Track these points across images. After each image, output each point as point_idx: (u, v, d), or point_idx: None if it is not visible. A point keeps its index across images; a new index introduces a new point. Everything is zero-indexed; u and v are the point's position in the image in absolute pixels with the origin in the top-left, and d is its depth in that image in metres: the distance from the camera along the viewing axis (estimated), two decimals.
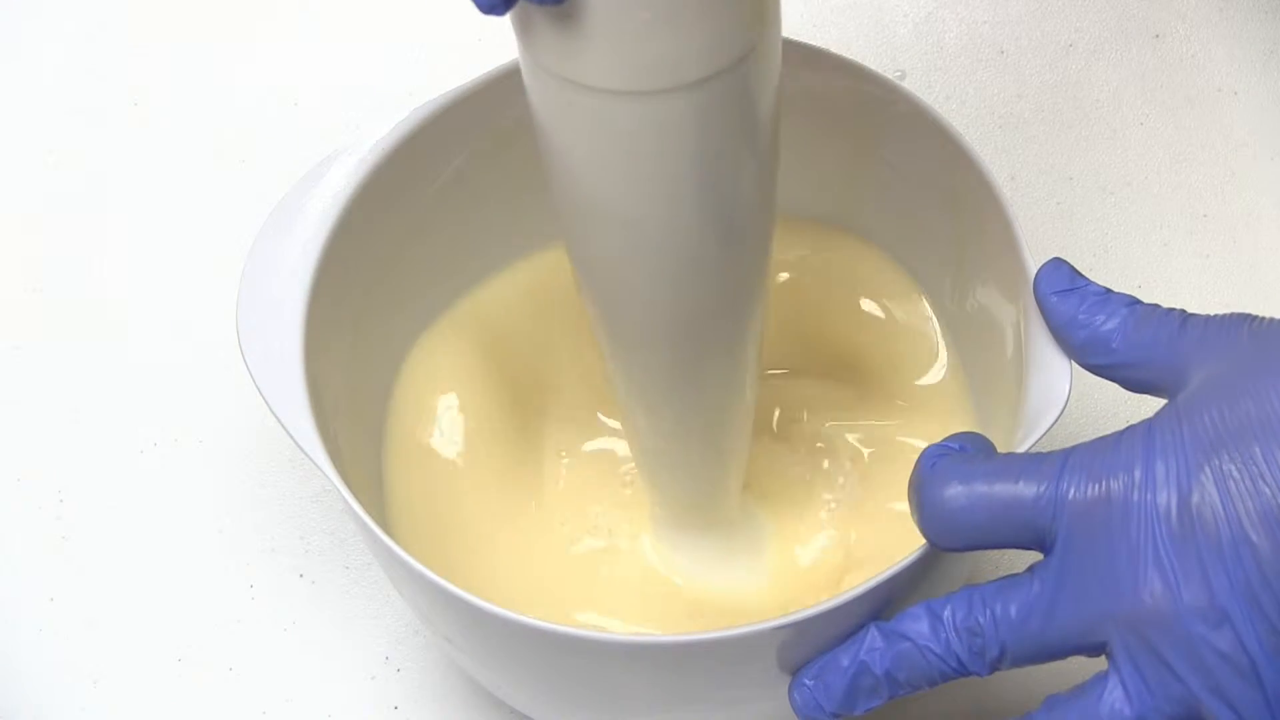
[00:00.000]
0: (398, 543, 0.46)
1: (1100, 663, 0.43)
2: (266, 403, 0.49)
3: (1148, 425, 0.42)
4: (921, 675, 0.45)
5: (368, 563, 0.61)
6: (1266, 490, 0.40)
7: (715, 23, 0.40)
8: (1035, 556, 0.44)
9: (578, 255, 0.47)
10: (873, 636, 0.45)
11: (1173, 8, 0.73)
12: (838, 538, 0.56)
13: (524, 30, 0.41)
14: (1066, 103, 0.71)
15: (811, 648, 0.46)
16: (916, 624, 0.45)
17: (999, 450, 0.46)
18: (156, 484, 0.64)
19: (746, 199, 0.45)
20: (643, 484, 0.56)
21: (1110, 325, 0.46)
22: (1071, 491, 0.42)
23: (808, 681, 0.46)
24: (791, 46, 0.54)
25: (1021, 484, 0.43)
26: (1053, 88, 0.71)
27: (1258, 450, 0.40)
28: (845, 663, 0.45)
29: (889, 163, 0.57)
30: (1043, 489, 0.43)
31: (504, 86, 0.53)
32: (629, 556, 0.57)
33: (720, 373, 0.50)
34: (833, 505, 0.57)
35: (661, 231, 0.44)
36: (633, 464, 0.57)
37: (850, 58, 0.55)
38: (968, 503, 0.43)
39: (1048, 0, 0.73)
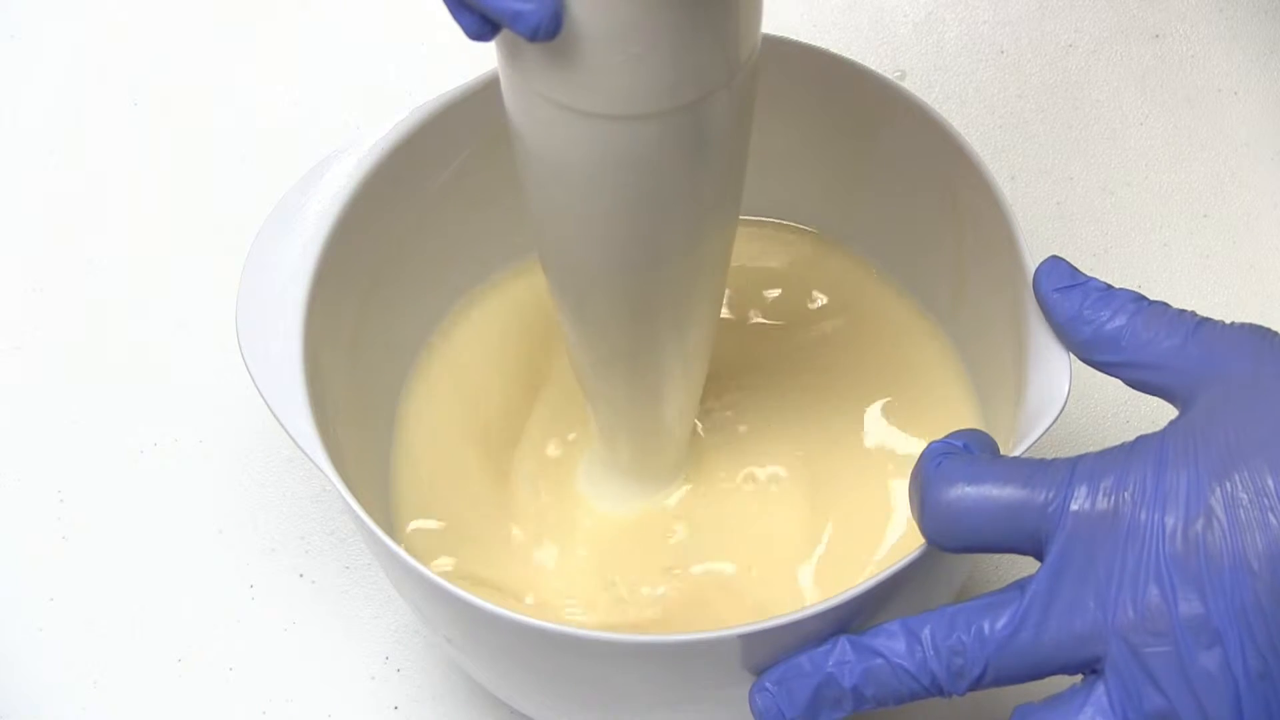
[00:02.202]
0: (398, 543, 0.46)
1: (1077, 677, 0.43)
2: (266, 403, 0.49)
3: (1160, 440, 0.42)
4: (890, 693, 0.44)
5: (368, 563, 0.61)
6: (1274, 521, 0.40)
7: (703, 53, 0.41)
8: (1022, 569, 0.44)
9: (547, 252, 0.49)
10: (843, 648, 0.44)
11: (1173, 8, 0.73)
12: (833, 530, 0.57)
13: (511, 53, 0.42)
14: (1066, 103, 0.71)
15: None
16: (891, 641, 0.44)
17: (1000, 449, 0.46)
18: (156, 484, 0.64)
19: (716, 204, 0.47)
20: (601, 437, 0.57)
21: (1117, 322, 0.45)
22: (1077, 502, 0.42)
23: (770, 686, 0.45)
24: (791, 46, 0.55)
25: (1028, 490, 0.43)
26: (1053, 88, 0.71)
27: (1270, 481, 0.40)
28: (810, 671, 0.45)
29: (889, 163, 0.57)
30: (1049, 497, 0.42)
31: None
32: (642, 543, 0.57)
33: (673, 349, 0.51)
34: (841, 496, 0.57)
35: (629, 235, 0.46)
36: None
37: (850, 58, 0.55)
38: (973, 505, 0.43)
39: (1048, 0, 0.73)
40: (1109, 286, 0.46)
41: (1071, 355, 0.47)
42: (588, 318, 0.50)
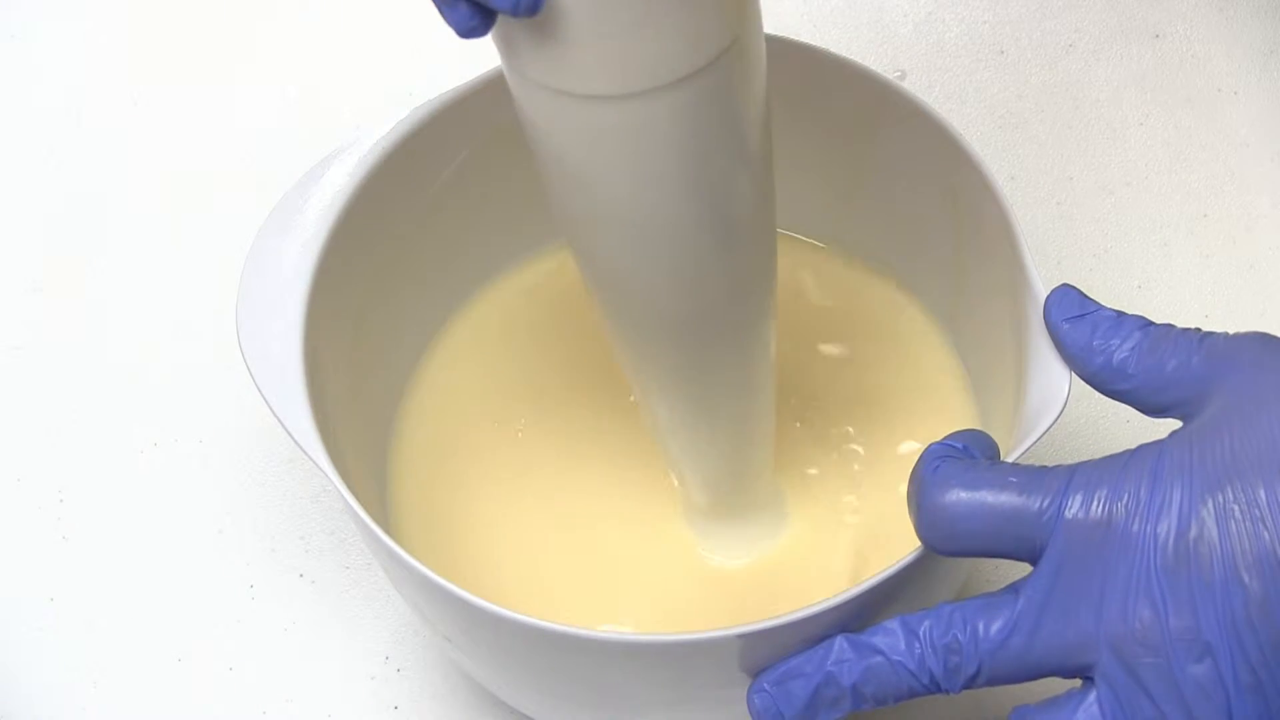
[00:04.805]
0: (398, 542, 0.46)
1: (1073, 679, 0.43)
2: (267, 403, 0.49)
3: (1158, 450, 0.42)
4: (890, 690, 0.44)
5: (368, 563, 0.61)
6: (1266, 535, 0.40)
7: (692, 22, 0.40)
8: (1021, 570, 0.44)
9: (579, 256, 0.48)
10: (841, 647, 0.44)
11: (1173, 8, 0.73)
12: (853, 531, 0.57)
13: (506, 44, 0.42)
14: (1066, 103, 0.71)
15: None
16: (890, 638, 0.44)
17: (1000, 449, 0.46)
18: (156, 484, 0.64)
19: (740, 192, 0.45)
20: (672, 473, 0.56)
21: (1125, 350, 0.45)
22: (1071, 511, 0.42)
23: (768, 687, 0.45)
24: (791, 46, 0.55)
25: (1023, 498, 0.43)
26: (1053, 88, 0.71)
27: (1263, 493, 0.40)
28: (810, 671, 0.45)
29: (889, 163, 0.57)
30: (1044, 505, 0.42)
31: (504, 86, 0.53)
32: (652, 549, 0.57)
33: (732, 361, 0.50)
34: (851, 503, 0.57)
35: (657, 230, 0.45)
36: (641, 458, 0.58)
37: (850, 58, 0.55)
38: (968, 510, 0.43)
39: (1048, 0, 0.73)
40: (1119, 314, 0.46)
41: None
42: (629, 327, 0.49)
